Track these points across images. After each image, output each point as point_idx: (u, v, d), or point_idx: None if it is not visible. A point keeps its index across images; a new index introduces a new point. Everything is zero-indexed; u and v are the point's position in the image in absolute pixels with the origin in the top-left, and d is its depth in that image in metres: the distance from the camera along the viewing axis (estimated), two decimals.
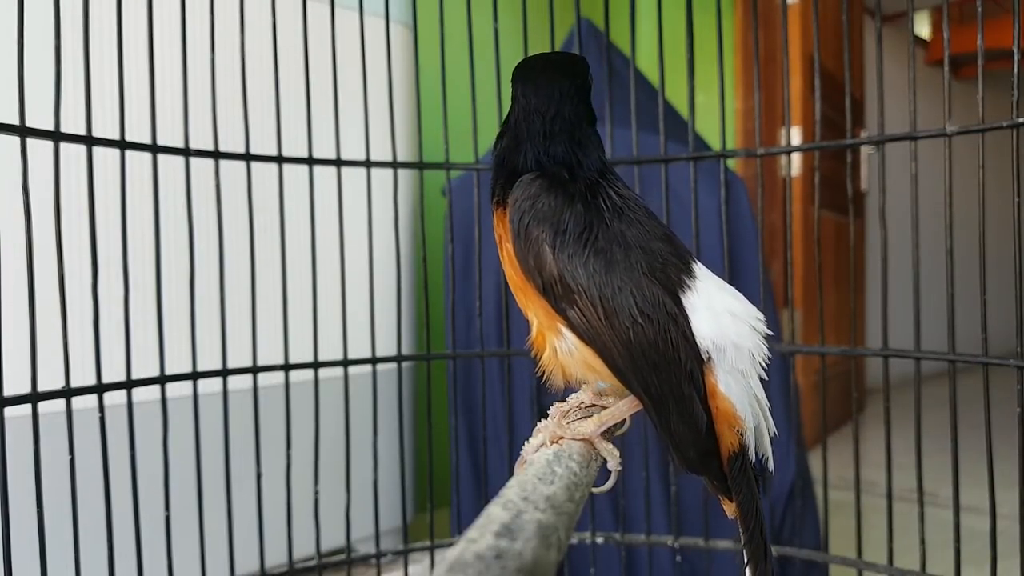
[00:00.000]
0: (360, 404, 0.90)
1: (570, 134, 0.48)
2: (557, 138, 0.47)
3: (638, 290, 0.43)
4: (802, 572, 1.16)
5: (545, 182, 0.45)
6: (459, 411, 1.22)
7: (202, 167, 0.84)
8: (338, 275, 0.89)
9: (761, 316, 0.46)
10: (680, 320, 0.43)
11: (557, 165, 0.47)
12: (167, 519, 0.75)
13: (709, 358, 0.44)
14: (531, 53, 0.93)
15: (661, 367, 0.42)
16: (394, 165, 0.91)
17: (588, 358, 0.45)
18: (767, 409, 0.46)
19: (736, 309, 0.45)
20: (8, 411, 0.66)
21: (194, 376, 0.79)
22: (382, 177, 0.97)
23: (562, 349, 0.46)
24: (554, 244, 0.44)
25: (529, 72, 0.50)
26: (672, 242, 0.47)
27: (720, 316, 0.44)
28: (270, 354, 0.90)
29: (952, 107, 0.76)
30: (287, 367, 0.85)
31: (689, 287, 0.45)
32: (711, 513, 0.89)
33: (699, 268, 0.47)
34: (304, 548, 0.91)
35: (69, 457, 0.69)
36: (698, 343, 0.44)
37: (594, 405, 0.52)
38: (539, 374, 0.49)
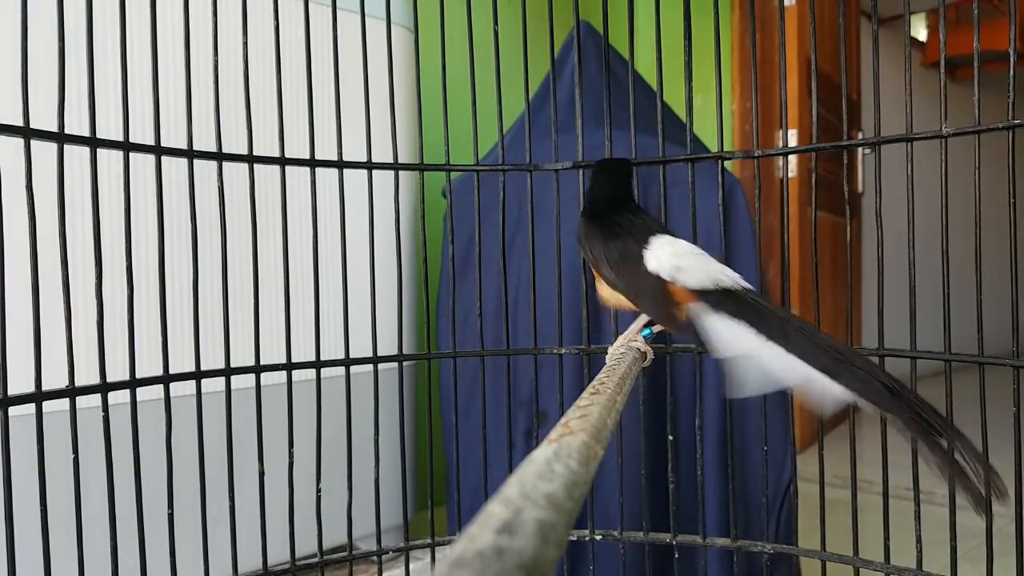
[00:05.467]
0: (361, 403, 0.91)
1: (610, 196, 0.82)
2: (601, 199, 0.81)
3: (620, 250, 0.74)
4: (795, 570, 1.16)
5: (586, 217, 0.79)
6: (459, 410, 1.23)
7: (205, 168, 0.84)
8: (340, 275, 0.90)
9: (695, 249, 0.73)
10: (640, 258, 0.72)
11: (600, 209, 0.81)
12: (170, 517, 0.76)
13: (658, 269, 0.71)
14: (530, 55, 0.95)
15: (634, 282, 0.72)
16: (395, 167, 0.92)
17: (607, 290, 0.76)
18: (725, 273, 0.68)
19: (673, 250, 0.72)
20: (12, 410, 0.66)
21: (197, 375, 0.79)
22: (383, 178, 0.98)
23: (601, 288, 0.78)
24: (587, 240, 0.78)
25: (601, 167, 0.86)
26: (650, 228, 0.75)
27: (661, 251, 0.72)
28: (273, 353, 0.91)
29: (948, 109, 0.77)
30: (289, 366, 0.86)
31: (647, 244, 0.73)
32: (707, 511, 0.90)
33: (658, 237, 0.73)
34: (306, 546, 0.92)
35: (73, 456, 0.70)
36: (650, 265, 0.72)
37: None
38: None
